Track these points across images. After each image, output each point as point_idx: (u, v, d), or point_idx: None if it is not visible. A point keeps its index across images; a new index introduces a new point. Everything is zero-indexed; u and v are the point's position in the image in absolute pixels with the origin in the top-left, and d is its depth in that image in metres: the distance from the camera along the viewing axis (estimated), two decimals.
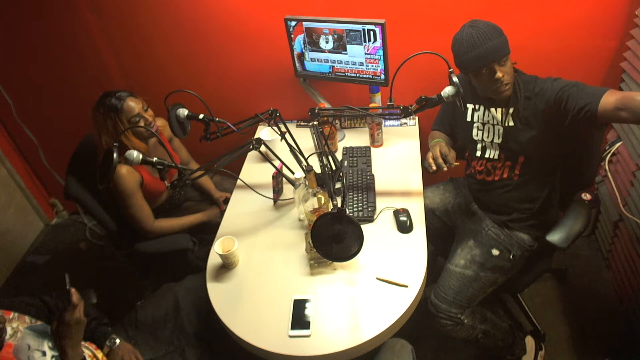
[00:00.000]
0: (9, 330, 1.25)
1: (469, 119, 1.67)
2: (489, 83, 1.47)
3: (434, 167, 1.57)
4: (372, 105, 2.06)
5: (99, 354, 1.43)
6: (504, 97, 1.52)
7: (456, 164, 1.60)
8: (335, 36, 1.87)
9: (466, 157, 1.84)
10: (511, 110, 1.55)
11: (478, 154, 1.69)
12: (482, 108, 1.62)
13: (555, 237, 1.57)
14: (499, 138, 1.61)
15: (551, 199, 1.69)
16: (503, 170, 1.65)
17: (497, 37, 1.42)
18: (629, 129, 1.94)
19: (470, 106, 1.66)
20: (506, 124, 1.57)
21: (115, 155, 1.40)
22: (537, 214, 1.67)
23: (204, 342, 1.60)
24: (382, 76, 1.91)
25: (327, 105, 2.07)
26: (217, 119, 1.64)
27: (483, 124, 1.64)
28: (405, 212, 1.67)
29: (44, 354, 1.31)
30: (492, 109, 1.59)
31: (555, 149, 1.57)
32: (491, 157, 1.66)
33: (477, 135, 1.67)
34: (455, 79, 1.41)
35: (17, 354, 1.23)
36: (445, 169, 1.56)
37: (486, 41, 1.40)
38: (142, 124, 1.73)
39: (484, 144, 1.67)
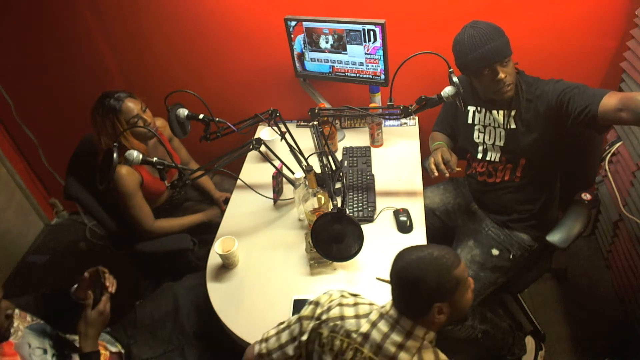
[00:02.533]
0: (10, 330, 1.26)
1: (470, 121, 1.67)
2: (491, 84, 1.47)
3: (436, 173, 1.57)
4: (372, 105, 2.06)
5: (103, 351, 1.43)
6: (506, 98, 1.51)
7: (458, 169, 1.60)
8: (335, 36, 1.87)
9: (467, 158, 1.84)
10: (513, 113, 1.54)
11: (479, 156, 1.69)
12: (483, 110, 1.62)
13: (555, 237, 1.57)
14: (500, 141, 1.61)
15: (552, 199, 1.69)
16: (504, 173, 1.65)
17: (499, 37, 1.41)
18: (629, 129, 1.94)
19: (471, 108, 1.66)
20: (508, 127, 1.57)
21: (115, 155, 1.40)
22: (538, 215, 1.67)
23: (204, 341, 1.60)
24: (382, 76, 1.91)
25: (327, 105, 2.07)
26: (217, 119, 1.65)
27: (484, 127, 1.64)
28: (405, 212, 1.67)
29: (45, 351, 1.32)
30: (494, 111, 1.59)
31: (557, 151, 1.57)
32: (492, 159, 1.66)
33: (478, 137, 1.67)
34: (455, 79, 1.41)
35: (18, 351, 1.25)
36: (447, 175, 1.56)
37: (488, 42, 1.40)
38: (140, 124, 1.73)
39: (485, 147, 1.66)
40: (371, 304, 1.16)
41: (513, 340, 1.82)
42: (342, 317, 1.12)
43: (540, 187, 1.64)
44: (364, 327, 1.09)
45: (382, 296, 1.42)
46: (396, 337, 1.06)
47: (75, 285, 1.44)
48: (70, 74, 2.32)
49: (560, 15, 1.85)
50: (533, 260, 1.74)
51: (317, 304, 1.19)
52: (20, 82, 2.39)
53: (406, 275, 1.04)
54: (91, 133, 1.80)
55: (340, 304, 1.15)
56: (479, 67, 1.44)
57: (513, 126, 1.56)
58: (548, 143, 1.53)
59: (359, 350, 1.07)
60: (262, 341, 1.23)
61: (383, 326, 1.08)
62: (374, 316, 1.11)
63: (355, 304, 1.15)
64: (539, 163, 1.59)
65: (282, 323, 1.25)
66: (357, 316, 1.12)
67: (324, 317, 1.14)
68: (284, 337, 1.20)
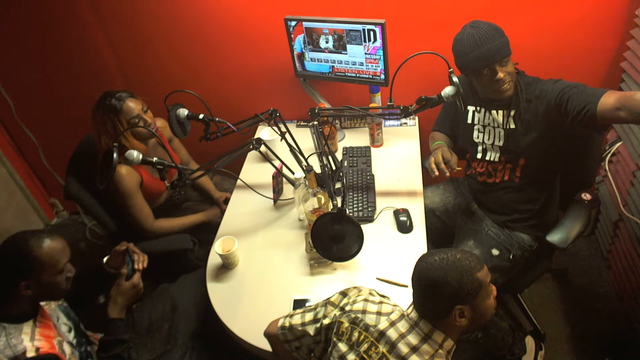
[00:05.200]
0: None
1: (469, 121, 1.67)
2: (490, 83, 1.47)
3: (437, 173, 1.57)
4: (372, 105, 2.06)
5: None
6: (505, 98, 1.52)
7: (458, 168, 1.60)
8: (335, 36, 1.87)
9: (467, 158, 1.84)
10: (512, 113, 1.54)
11: (479, 155, 1.69)
12: (483, 110, 1.62)
13: (555, 237, 1.57)
14: (499, 140, 1.61)
15: (552, 199, 1.69)
16: (504, 173, 1.65)
17: (499, 37, 1.42)
18: (629, 129, 1.94)
19: (471, 108, 1.66)
20: (507, 127, 1.57)
21: (115, 155, 1.40)
22: (538, 215, 1.67)
23: (202, 341, 1.60)
24: (382, 76, 1.91)
25: (327, 105, 2.07)
26: (217, 119, 1.65)
27: (484, 127, 1.64)
28: (405, 212, 1.67)
29: (70, 329, 1.38)
30: (493, 111, 1.59)
31: (556, 151, 1.57)
32: (492, 159, 1.66)
33: (477, 137, 1.67)
34: (455, 79, 1.41)
35: (51, 319, 1.33)
36: (448, 174, 1.56)
37: (487, 41, 1.40)
38: (141, 125, 1.73)
39: (484, 146, 1.67)
40: (395, 306, 1.17)
41: (513, 340, 1.81)
42: (364, 311, 1.14)
43: (540, 187, 1.64)
44: (383, 324, 1.10)
45: None
46: (412, 339, 1.06)
47: (107, 257, 1.52)
48: (70, 74, 2.31)
49: (560, 15, 1.85)
50: (533, 260, 1.74)
51: (344, 294, 1.22)
52: (21, 82, 2.39)
53: (428, 275, 1.04)
54: (91, 133, 1.80)
55: (366, 300, 1.17)
56: (478, 66, 1.45)
57: (512, 126, 1.56)
58: (547, 143, 1.53)
59: (374, 345, 1.09)
60: (287, 316, 1.26)
61: (401, 326, 1.09)
62: (394, 316, 1.12)
63: (380, 303, 1.16)
64: (538, 163, 1.59)
65: (310, 305, 1.28)
66: (379, 313, 1.13)
67: (347, 308, 1.16)
68: (308, 316, 1.22)
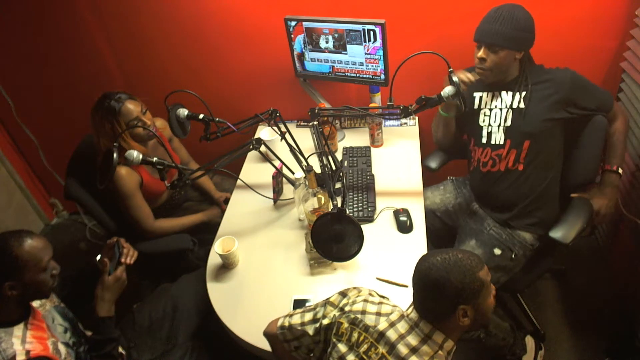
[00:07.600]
0: (37, 303, 1.35)
1: (476, 106, 1.70)
2: (475, 59, 1.56)
3: (466, 79, 1.60)
4: (372, 105, 2.06)
5: None
6: (484, 80, 1.60)
7: (477, 77, 1.63)
8: (336, 36, 1.87)
9: (470, 149, 1.81)
10: (523, 94, 1.59)
11: (484, 140, 1.69)
12: (490, 94, 1.66)
13: (558, 233, 1.57)
14: (505, 121, 1.63)
15: (553, 194, 1.69)
16: (508, 159, 1.65)
17: (509, 27, 1.47)
18: (629, 129, 1.93)
19: (477, 94, 1.69)
20: (515, 107, 1.61)
21: (115, 155, 1.40)
22: (539, 210, 1.67)
23: (203, 341, 1.60)
24: (382, 76, 1.91)
25: (327, 105, 2.07)
26: (217, 119, 1.65)
27: (490, 110, 1.67)
28: (405, 212, 1.67)
29: (66, 330, 1.38)
30: (503, 92, 1.63)
31: (560, 135, 1.61)
32: (496, 142, 1.66)
33: (483, 121, 1.68)
34: (455, 78, 1.41)
35: (44, 320, 1.33)
36: (473, 79, 1.60)
37: (493, 23, 1.47)
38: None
39: (489, 130, 1.67)
40: (395, 306, 1.17)
41: (513, 340, 1.82)
42: (363, 312, 1.14)
43: (542, 177, 1.64)
44: (382, 324, 1.10)
45: None
46: (411, 340, 1.06)
47: (100, 255, 1.51)
48: (70, 74, 2.32)
49: (560, 15, 1.85)
50: (534, 259, 1.74)
51: (344, 295, 1.22)
52: (20, 82, 2.39)
53: (431, 276, 1.04)
54: (92, 133, 1.80)
55: (365, 300, 1.17)
56: (475, 38, 1.54)
57: (521, 106, 1.60)
58: (552, 125, 1.58)
59: (374, 346, 1.09)
60: (287, 316, 1.26)
61: (401, 327, 1.09)
62: (394, 317, 1.11)
63: (380, 303, 1.16)
64: (542, 146, 1.60)
65: (310, 305, 1.28)
66: (379, 314, 1.13)
67: (347, 308, 1.16)
68: (308, 316, 1.23)
